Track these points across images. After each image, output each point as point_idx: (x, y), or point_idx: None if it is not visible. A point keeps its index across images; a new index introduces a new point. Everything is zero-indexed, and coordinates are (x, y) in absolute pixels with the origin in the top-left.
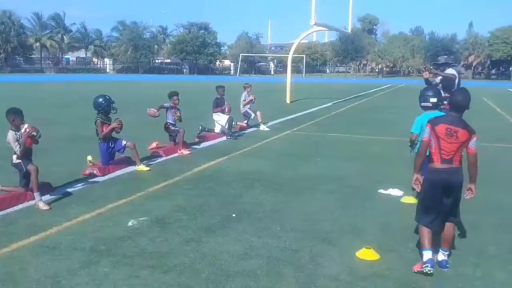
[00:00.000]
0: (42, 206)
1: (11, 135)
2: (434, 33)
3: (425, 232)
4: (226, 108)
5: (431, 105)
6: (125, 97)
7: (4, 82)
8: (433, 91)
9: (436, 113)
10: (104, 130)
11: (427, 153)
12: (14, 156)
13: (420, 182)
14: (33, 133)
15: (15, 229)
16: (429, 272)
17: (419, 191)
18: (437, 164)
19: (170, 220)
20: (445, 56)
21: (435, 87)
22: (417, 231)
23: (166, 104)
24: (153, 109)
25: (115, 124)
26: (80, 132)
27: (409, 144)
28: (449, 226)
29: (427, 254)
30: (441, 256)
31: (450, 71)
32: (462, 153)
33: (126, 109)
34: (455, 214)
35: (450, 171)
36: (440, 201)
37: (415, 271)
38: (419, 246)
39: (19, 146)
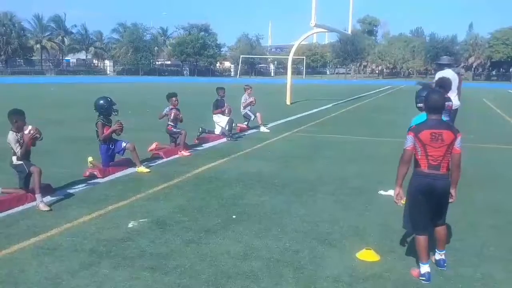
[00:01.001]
0: (43, 207)
1: (12, 136)
2: (434, 35)
3: (423, 244)
4: (226, 110)
5: (425, 99)
6: (125, 98)
7: (4, 84)
8: (427, 91)
9: None
10: (105, 132)
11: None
12: (14, 158)
13: (401, 197)
14: (36, 135)
15: (16, 231)
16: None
17: (401, 205)
18: (424, 169)
19: (170, 221)
20: (447, 57)
21: (430, 88)
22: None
23: (166, 110)
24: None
25: (116, 127)
26: (80, 133)
27: None
28: (440, 228)
29: (424, 268)
30: (438, 256)
31: (447, 72)
32: (449, 159)
33: (126, 111)
34: (443, 217)
35: (436, 177)
36: (426, 205)
37: (413, 275)
38: (416, 256)
39: (20, 147)
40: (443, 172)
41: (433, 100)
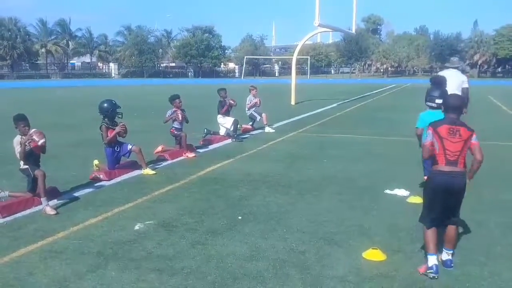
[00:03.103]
0: (49, 211)
1: (16, 139)
2: (438, 32)
3: (430, 236)
4: (231, 102)
5: (435, 105)
6: (130, 101)
7: (11, 88)
8: (439, 92)
9: (439, 112)
10: (108, 135)
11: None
12: (21, 162)
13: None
14: (26, 142)
15: (23, 234)
16: (433, 277)
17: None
18: (442, 165)
19: (176, 223)
20: (456, 59)
21: (440, 88)
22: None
23: (169, 113)
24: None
25: (119, 129)
26: (86, 136)
27: (418, 138)
28: (451, 227)
29: (432, 259)
30: (445, 255)
31: (447, 72)
32: (466, 155)
33: (132, 113)
34: (457, 215)
35: (453, 174)
36: (442, 203)
37: (420, 273)
38: (424, 249)
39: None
40: (460, 169)
41: (452, 100)
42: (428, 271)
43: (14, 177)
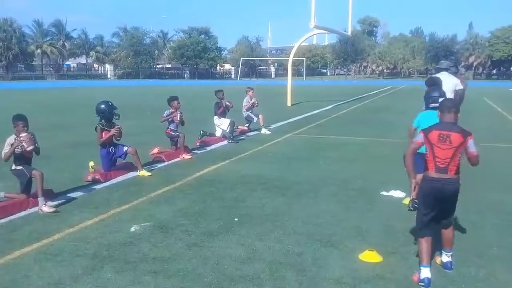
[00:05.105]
0: (47, 209)
1: (10, 138)
2: (434, 34)
3: (424, 246)
4: (227, 103)
5: (439, 105)
6: (126, 102)
7: (6, 89)
8: (438, 92)
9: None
10: (103, 136)
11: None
12: (13, 163)
13: (419, 184)
14: (18, 146)
15: (18, 236)
16: None
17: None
18: (432, 173)
19: (172, 225)
20: (445, 61)
21: (439, 88)
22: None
23: (167, 113)
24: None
25: (114, 131)
26: (81, 138)
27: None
28: (447, 230)
29: (425, 272)
30: (445, 257)
31: (440, 75)
32: (459, 161)
33: (127, 114)
34: (451, 217)
35: (443, 181)
36: (434, 209)
37: (414, 281)
38: (419, 259)
39: (8, 149)
40: (451, 176)
41: (446, 102)
42: (420, 284)
43: (7, 179)
